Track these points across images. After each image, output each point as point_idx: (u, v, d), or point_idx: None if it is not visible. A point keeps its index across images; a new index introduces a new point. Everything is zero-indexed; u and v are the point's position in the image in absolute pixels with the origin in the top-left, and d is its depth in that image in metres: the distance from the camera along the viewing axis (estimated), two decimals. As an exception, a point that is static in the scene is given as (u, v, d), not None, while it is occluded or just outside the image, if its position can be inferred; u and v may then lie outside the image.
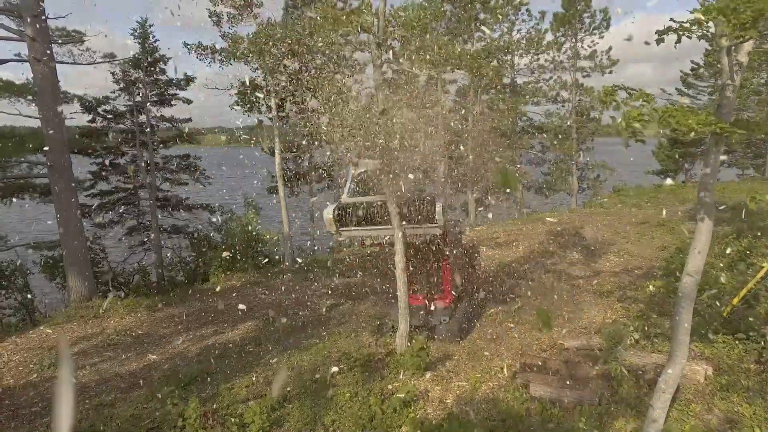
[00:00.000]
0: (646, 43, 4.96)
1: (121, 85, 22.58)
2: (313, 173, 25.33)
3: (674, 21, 4.74)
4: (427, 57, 9.17)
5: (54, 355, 10.83)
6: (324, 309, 13.34)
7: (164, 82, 23.35)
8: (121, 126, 23.14)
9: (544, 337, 10.24)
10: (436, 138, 9.06)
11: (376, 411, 7.69)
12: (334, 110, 8.47)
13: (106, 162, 22.90)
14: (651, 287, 11.35)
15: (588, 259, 15.55)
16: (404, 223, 9.38)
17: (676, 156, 34.20)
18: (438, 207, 9.27)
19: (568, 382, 8.02)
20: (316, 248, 27.36)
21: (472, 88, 25.56)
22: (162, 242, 23.32)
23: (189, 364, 10.30)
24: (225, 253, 17.70)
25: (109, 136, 22.18)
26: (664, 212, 17.21)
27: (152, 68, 22.90)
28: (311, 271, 17.36)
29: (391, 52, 9.10)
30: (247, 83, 19.07)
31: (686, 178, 35.01)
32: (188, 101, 24.38)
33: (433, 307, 10.58)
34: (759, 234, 12.55)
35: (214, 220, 23.90)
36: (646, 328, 9.38)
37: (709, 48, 29.19)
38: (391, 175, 8.74)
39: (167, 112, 23.99)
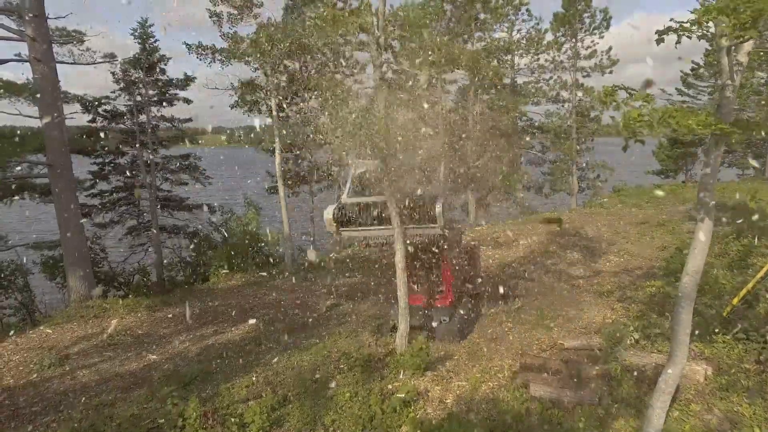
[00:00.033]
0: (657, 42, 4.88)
1: (121, 85, 22.58)
2: (315, 172, 25.33)
3: (674, 21, 4.75)
4: (429, 57, 9.15)
5: (54, 354, 10.83)
6: (324, 309, 13.34)
7: (164, 82, 23.35)
8: (121, 126, 23.15)
9: (544, 337, 10.24)
10: (436, 138, 9.06)
11: (376, 411, 7.69)
12: (333, 111, 8.48)
13: (106, 162, 22.93)
14: (652, 288, 11.35)
15: (588, 259, 15.55)
16: (404, 223, 9.38)
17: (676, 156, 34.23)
18: (438, 207, 9.27)
19: (568, 382, 8.03)
20: (318, 250, 27.36)
21: (473, 88, 25.55)
22: (162, 242, 23.33)
23: (189, 364, 10.30)
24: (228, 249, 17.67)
25: (108, 136, 22.14)
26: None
27: (152, 68, 22.89)
28: (311, 271, 17.37)
29: (391, 52, 9.09)
30: (250, 83, 19.09)
31: (686, 178, 35.01)
32: (188, 101, 24.38)
33: (433, 307, 10.58)
34: (759, 235, 12.55)
35: (213, 219, 23.91)
36: (646, 328, 9.37)
37: (709, 48, 29.18)
38: (391, 176, 8.75)
39: (167, 112, 24.03)
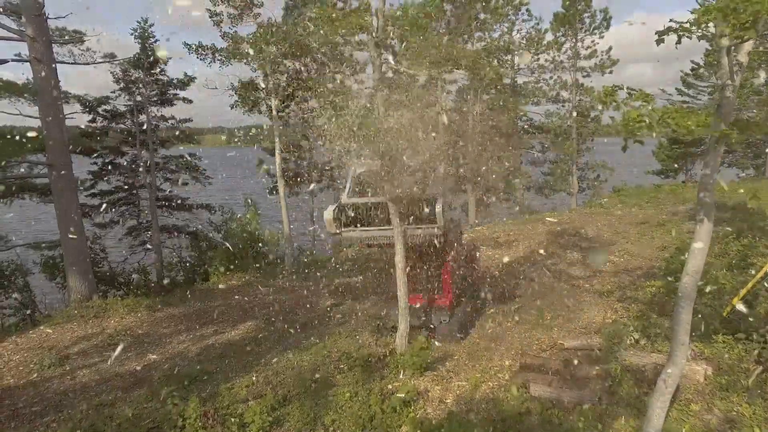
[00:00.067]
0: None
1: (121, 85, 22.58)
2: (313, 173, 25.34)
3: (674, 21, 4.75)
4: (429, 57, 9.15)
5: (54, 354, 10.84)
6: (324, 309, 13.34)
7: (164, 82, 23.35)
8: (122, 126, 23.14)
9: (544, 337, 10.24)
10: (436, 138, 9.06)
11: (376, 411, 7.70)
12: (332, 112, 8.47)
13: (106, 162, 22.93)
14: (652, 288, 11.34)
15: (588, 259, 15.54)
16: (404, 223, 9.38)
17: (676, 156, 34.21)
18: (438, 207, 9.27)
19: (568, 382, 8.03)
20: (315, 252, 27.38)
21: (473, 89, 25.55)
22: (162, 242, 23.33)
23: (189, 364, 10.31)
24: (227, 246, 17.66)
25: (108, 135, 22.15)
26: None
27: (152, 68, 22.89)
28: (311, 271, 17.37)
29: (391, 53, 9.08)
30: (249, 83, 19.10)
31: (686, 178, 35.00)
32: (188, 101, 24.39)
33: (433, 307, 10.58)
34: (759, 236, 12.54)
35: (213, 219, 23.90)
36: (646, 329, 9.37)
37: (709, 48, 29.18)
38: (391, 176, 8.75)
39: (167, 112, 24.03)
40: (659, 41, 4.84)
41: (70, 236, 14.47)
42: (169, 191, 24.33)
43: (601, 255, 10.18)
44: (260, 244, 20.44)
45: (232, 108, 21.09)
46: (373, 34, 8.87)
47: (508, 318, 11.38)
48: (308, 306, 13.73)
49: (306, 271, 17.56)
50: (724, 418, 6.97)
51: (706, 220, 5.41)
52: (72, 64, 18.69)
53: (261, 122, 22.25)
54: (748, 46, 4.95)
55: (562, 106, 31.29)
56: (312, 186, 24.95)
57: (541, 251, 15.62)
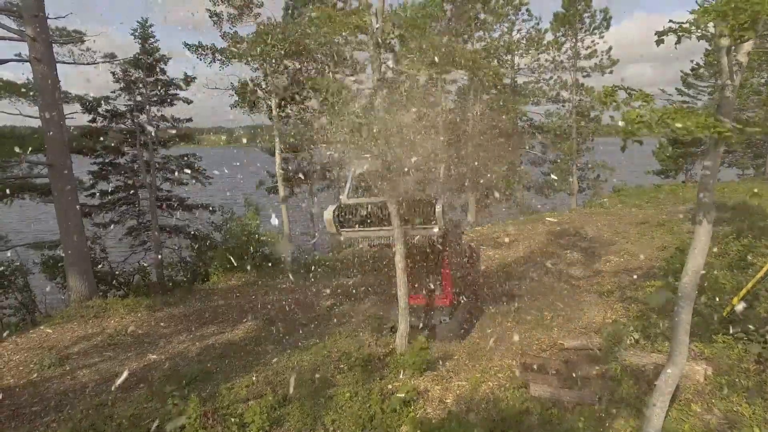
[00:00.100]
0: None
1: (122, 84, 22.58)
2: (314, 173, 25.35)
3: (673, 22, 4.76)
4: (430, 57, 9.15)
5: (54, 354, 10.84)
6: (324, 309, 13.34)
7: (164, 82, 23.35)
8: (122, 126, 23.15)
9: (544, 337, 10.25)
10: (436, 138, 9.06)
11: (376, 411, 7.70)
12: (332, 112, 8.48)
13: (106, 162, 22.93)
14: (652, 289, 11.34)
15: (588, 259, 15.54)
16: (404, 223, 9.38)
17: (676, 156, 34.21)
18: (438, 207, 9.27)
19: (568, 382, 8.03)
20: (315, 253, 27.40)
21: (473, 89, 25.57)
22: (162, 242, 23.34)
23: (189, 364, 10.31)
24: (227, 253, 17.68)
25: (109, 135, 22.15)
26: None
27: (152, 68, 22.89)
28: (311, 271, 17.37)
29: (391, 54, 9.09)
30: (248, 83, 19.10)
31: (686, 178, 35.00)
32: (188, 101, 24.40)
33: (433, 307, 10.58)
34: (759, 236, 12.55)
35: (214, 219, 23.91)
36: (646, 329, 9.37)
37: (709, 48, 29.16)
38: (391, 176, 8.75)
39: (168, 112, 24.04)
40: (659, 41, 4.85)
41: (68, 234, 14.47)
42: (168, 191, 24.36)
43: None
44: (260, 245, 20.43)
45: (232, 108, 21.13)
46: (373, 34, 8.87)
47: (508, 318, 11.38)
48: (308, 306, 13.74)
49: (306, 271, 17.56)
50: (724, 418, 6.97)
51: (705, 221, 5.41)
52: (72, 64, 18.69)
53: (261, 122, 22.29)
54: (747, 46, 4.96)
55: (562, 106, 31.30)
56: (311, 186, 24.97)
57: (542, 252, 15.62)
